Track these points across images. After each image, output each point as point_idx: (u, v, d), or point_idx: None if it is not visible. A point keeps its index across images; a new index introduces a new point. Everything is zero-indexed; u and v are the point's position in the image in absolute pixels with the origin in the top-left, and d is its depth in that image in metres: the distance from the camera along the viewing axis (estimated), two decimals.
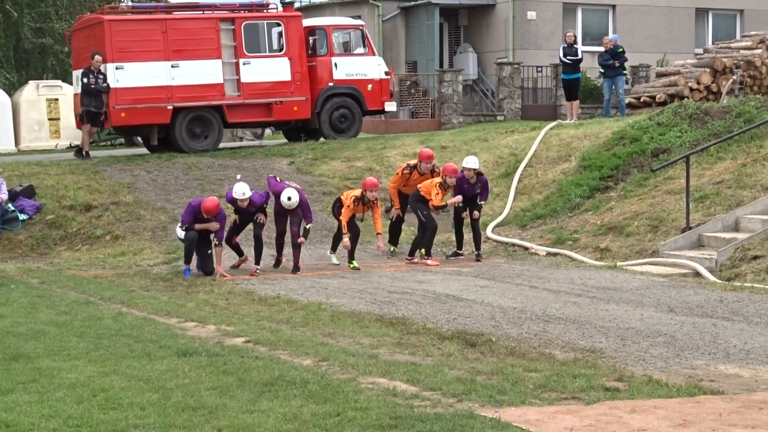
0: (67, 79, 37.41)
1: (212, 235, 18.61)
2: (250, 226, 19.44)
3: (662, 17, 40.23)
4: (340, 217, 19.52)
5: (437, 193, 19.93)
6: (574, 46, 30.61)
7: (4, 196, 21.77)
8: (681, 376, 10.59)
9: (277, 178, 20.08)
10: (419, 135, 29.77)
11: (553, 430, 8.48)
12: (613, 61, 29.75)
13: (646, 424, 8.70)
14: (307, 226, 19.12)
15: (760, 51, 30.81)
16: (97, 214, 22.38)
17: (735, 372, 10.88)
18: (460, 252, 20.80)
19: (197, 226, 18.52)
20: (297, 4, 37.29)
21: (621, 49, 29.92)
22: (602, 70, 30.17)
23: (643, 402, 9.44)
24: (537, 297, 15.76)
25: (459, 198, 20.21)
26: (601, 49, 31.40)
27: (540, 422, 8.71)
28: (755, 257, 18.09)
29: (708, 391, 9.92)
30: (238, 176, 21.46)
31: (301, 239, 18.95)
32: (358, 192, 19.76)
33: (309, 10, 42.54)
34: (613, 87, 30.23)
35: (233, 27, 27.61)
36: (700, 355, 11.69)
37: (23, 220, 21.95)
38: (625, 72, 30.49)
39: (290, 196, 18.80)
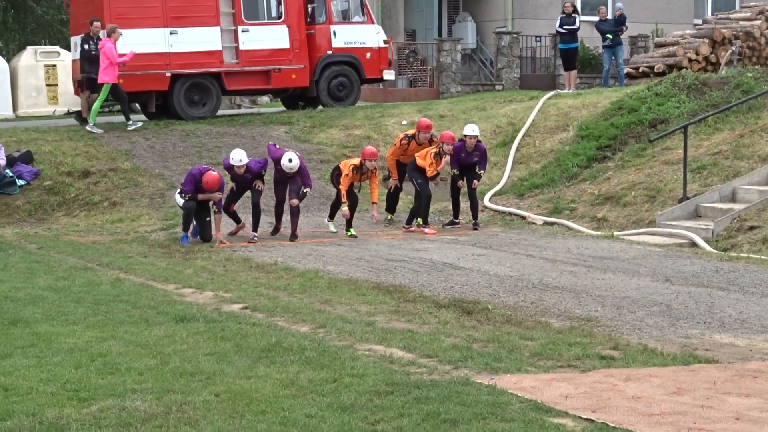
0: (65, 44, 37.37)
1: (211, 203, 18.62)
2: (248, 194, 19.45)
3: None
4: (340, 186, 19.54)
5: (431, 164, 19.93)
6: (573, 15, 30.57)
7: (2, 162, 21.77)
8: (676, 345, 10.64)
9: (276, 145, 20.11)
10: (417, 104, 29.77)
11: (549, 397, 8.53)
12: (620, 27, 29.83)
13: (640, 392, 8.75)
14: (305, 190, 19.14)
15: (759, 22, 30.78)
16: (95, 180, 22.40)
17: (730, 341, 10.93)
18: (457, 220, 20.83)
19: (200, 196, 18.51)
20: None
21: (626, 18, 30.15)
22: (609, 36, 30.07)
23: (638, 370, 9.49)
24: (534, 266, 15.80)
25: (447, 159, 20.12)
26: (597, 18, 31.42)
27: (535, 389, 8.76)
28: (752, 228, 18.14)
29: (703, 359, 9.97)
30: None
31: (294, 201, 18.96)
32: (357, 161, 19.77)
33: None
34: (613, 57, 30.24)
35: None
36: (695, 324, 11.74)
37: (21, 186, 21.97)
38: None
39: (291, 158, 18.82)
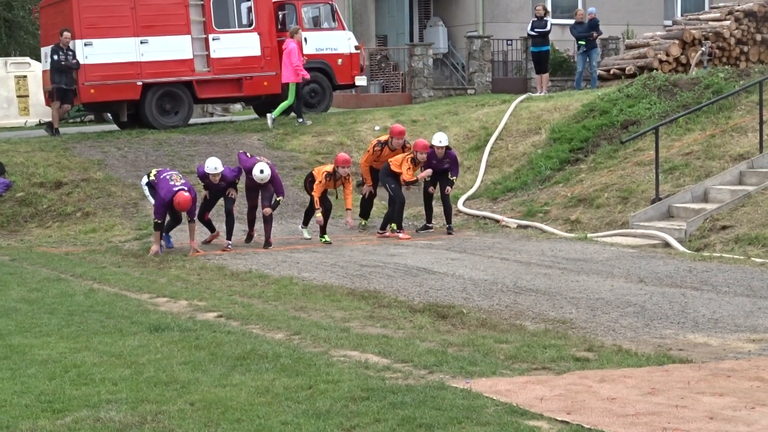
0: (35, 55, 37.25)
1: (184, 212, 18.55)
2: (221, 202, 19.41)
3: None
4: (313, 193, 19.54)
5: (408, 168, 19.95)
6: (544, 18, 30.66)
7: None
8: (650, 346, 10.68)
9: (248, 154, 20.07)
10: (390, 109, 29.77)
11: (524, 399, 8.54)
12: (591, 32, 29.96)
13: (615, 393, 8.78)
14: (278, 199, 19.15)
15: (728, 22, 30.92)
16: (68, 190, 22.31)
17: (703, 341, 10.98)
18: (430, 225, 20.85)
19: (155, 234, 18.54)
20: None
21: (598, 22, 30.30)
22: (582, 42, 30.18)
23: (613, 371, 9.52)
24: (508, 269, 15.83)
25: (429, 171, 20.22)
26: (572, 21, 31.54)
27: (511, 392, 8.78)
28: (724, 227, 18.22)
29: (677, 359, 10.01)
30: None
31: (267, 209, 18.95)
32: (330, 167, 19.77)
33: None
34: (587, 59, 30.35)
35: (202, 2, 27.47)
36: (669, 324, 11.78)
37: None
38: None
39: (263, 169, 18.80)
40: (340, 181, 19.77)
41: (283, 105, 26.57)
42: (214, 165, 18.85)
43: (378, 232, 20.21)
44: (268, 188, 19.08)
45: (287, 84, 26.44)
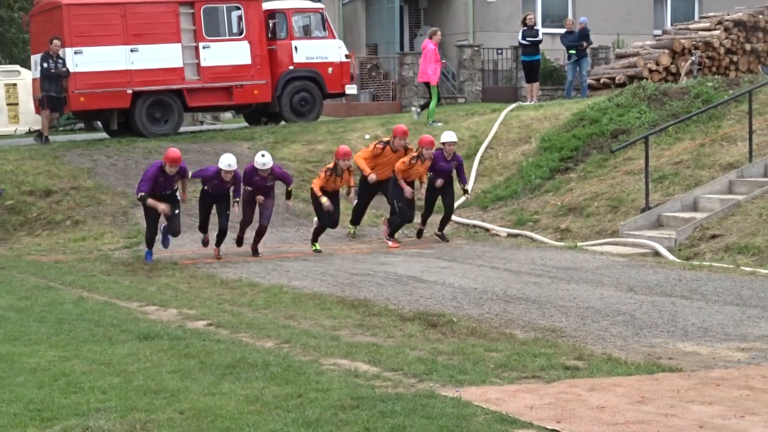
0: (26, 64, 37.21)
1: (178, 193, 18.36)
2: (214, 218, 19.01)
3: None
4: (312, 186, 19.43)
5: (409, 165, 19.74)
6: (535, 27, 30.72)
7: None
8: (640, 354, 10.68)
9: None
10: (380, 118, 29.77)
11: (514, 408, 8.54)
12: (582, 42, 30.03)
13: (605, 401, 8.78)
14: (290, 188, 19.12)
15: (718, 32, 31.00)
16: (57, 199, 22.27)
17: (693, 349, 10.98)
18: (423, 227, 20.73)
19: (149, 201, 18.08)
20: None
21: (589, 31, 30.40)
22: (573, 51, 30.24)
23: (603, 380, 9.51)
24: (498, 277, 15.83)
25: (441, 182, 20.04)
26: (562, 30, 31.59)
27: (500, 401, 8.77)
28: (713, 236, 18.24)
29: (666, 368, 10.01)
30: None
31: (264, 224, 18.88)
32: (330, 165, 19.63)
33: None
34: (577, 69, 30.42)
35: (193, 11, 27.50)
36: (658, 333, 11.79)
37: None
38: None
39: (264, 153, 18.63)
40: (341, 177, 19.52)
41: (432, 106, 27.46)
42: (228, 161, 18.36)
43: (386, 239, 20.06)
44: (266, 206, 18.88)
45: (426, 83, 27.85)
